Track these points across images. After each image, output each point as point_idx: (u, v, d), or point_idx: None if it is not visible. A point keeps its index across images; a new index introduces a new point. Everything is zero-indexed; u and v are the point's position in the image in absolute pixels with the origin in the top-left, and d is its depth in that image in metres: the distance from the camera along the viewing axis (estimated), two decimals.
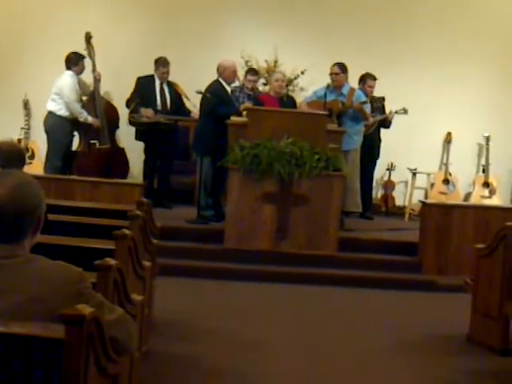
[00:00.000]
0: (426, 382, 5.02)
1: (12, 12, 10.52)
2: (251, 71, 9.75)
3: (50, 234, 3.74)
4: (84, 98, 9.59)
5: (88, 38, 9.51)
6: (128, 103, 9.58)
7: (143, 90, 9.55)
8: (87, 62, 9.48)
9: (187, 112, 9.75)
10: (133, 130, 9.72)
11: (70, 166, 9.42)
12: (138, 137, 9.73)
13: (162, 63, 9.57)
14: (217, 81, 9.04)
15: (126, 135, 9.98)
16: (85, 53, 9.45)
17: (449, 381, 5.06)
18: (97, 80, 9.48)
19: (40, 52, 10.35)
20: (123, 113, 9.67)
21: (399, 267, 7.99)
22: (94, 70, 9.49)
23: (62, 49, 9.38)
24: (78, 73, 9.39)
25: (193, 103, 9.54)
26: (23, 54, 10.48)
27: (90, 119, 9.35)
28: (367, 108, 9.20)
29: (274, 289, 7.31)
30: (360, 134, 9.15)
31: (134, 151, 9.88)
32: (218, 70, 9.08)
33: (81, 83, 9.47)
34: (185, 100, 9.79)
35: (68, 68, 9.33)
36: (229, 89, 9.15)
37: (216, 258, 7.83)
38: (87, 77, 9.55)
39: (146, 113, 9.42)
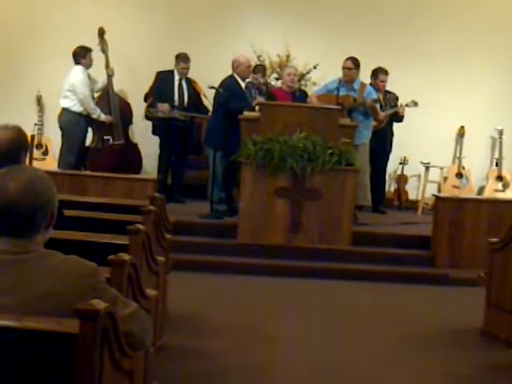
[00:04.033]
0: (439, 376, 5.00)
1: (24, 8, 10.54)
2: (256, 68, 9.76)
3: (63, 229, 3.76)
4: (95, 94, 9.59)
5: (101, 33, 9.51)
6: (146, 97, 9.59)
7: (162, 85, 9.55)
8: (101, 57, 9.47)
9: (205, 110, 9.73)
10: (147, 125, 9.74)
11: (83, 163, 9.44)
12: (154, 131, 9.77)
13: (182, 59, 9.56)
14: (231, 76, 9.06)
15: (140, 130, 10.00)
16: (98, 48, 9.45)
17: (462, 375, 5.04)
18: (110, 76, 9.48)
19: (53, 48, 10.33)
20: (137, 108, 9.68)
21: (412, 261, 7.99)
22: (107, 65, 9.48)
23: (76, 44, 9.34)
24: (87, 66, 9.34)
25: (210, 101, 9.52)
26: (36, 49, 10.48)
27: (103, 117, 9.34)
28: (377, 105, 9.19)
29: (287, 283, 7.31)
30: (369, 129, 9.12)
31: (149, 146, 9.88)
32: (232, 65, 9.10)
33: (90, 77, 9.46)
34: (203, 98, 9.77)
35: (77, 63, 9.28)
36: (243, 84, 9.17)
37: (229, 252, 7.84)
38: (101, 72, 9.55)
39: (162, 107, 9.42)
